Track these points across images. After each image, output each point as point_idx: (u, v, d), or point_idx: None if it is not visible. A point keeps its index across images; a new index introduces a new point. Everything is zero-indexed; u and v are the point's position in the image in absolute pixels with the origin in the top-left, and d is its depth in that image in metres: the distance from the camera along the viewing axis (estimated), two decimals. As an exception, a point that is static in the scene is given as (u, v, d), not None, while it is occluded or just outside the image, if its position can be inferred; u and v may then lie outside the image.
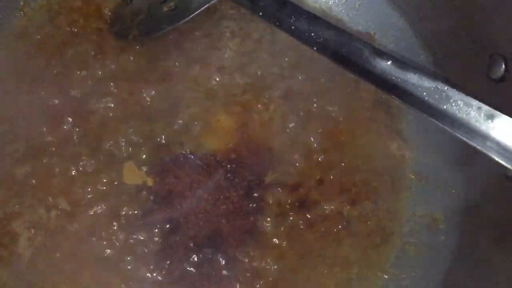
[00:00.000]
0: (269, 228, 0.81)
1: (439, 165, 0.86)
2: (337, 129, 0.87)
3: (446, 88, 0.66)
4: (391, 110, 0.90)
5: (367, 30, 0.93)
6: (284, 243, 0.81)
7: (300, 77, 0.89)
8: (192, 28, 0.89)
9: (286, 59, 0.90)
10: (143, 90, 0.85)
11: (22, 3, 0.87)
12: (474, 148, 0.66)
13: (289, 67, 0.90)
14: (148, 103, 0.85)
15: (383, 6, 0.92)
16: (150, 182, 0.80)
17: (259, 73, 0.89)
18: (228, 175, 0.82)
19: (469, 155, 0.82)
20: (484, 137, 0.64)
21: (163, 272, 0.77)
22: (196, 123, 0.85)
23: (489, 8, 0.75)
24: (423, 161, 0.87)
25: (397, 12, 0.91)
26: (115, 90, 0.85)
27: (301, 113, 0.87)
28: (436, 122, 0.66)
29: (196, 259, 0.79)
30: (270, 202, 0.82)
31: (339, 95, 0.89)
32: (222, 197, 0.82)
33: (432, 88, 0.67)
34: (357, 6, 0.95)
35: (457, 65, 0.83)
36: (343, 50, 0.71)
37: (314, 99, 0.88)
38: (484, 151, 0.64)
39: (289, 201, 0.82)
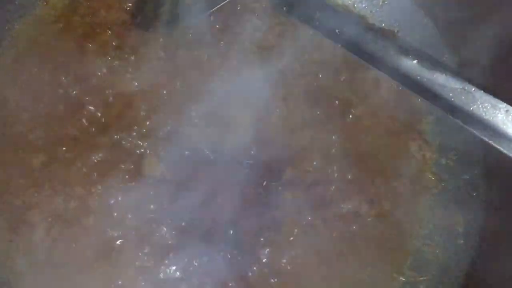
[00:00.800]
0: (285, 225, 0.80)
1: (460, 167, 0.85)
2: (358, 128, 0.86)
3: (473, 89, 0.65)
4: (412, 110, 0.88)
5: (390, 27, 0.91)
6: (300, 240, 0.80)
7: (321, 74, 0.88)
8: (214, 21, 0.88)
9: (307, 55, 0.89)
10: (163, 82, 0.85)
11: (45, -8, 0.88)
12: (498, 150, 0.65)
13: (310, 63, 0.89)
14: (168, 95, 0.84)
15: (408, 3, 0.91)
16: (168, 175, 0.80)
17: (280, 68, 0.87)
18: (246, 170, 0.82)
19: (491, 157, 0.81)
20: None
21: (179, 264, 0.77)
22: (215, 117, 0.84)
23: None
24: (443, 163, 0.86)
25: (422, 10, 0.90)
26: (135, 81, 0.84)
27: (321, 111, 0.86)
28: (462, 124, 0.65)
29: (211, 253, 0.78)
30: (288, 199, 0.81)
31: (360, 94, 0.88)
32: (239, 192, 0.80)
33: (459, 89, 0.66)
34: (380, 3, 0.93)
35: (482, 66, 0.81)
36: (369, 47, 0.71)
37: (335, 97, 0.87)
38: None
39: (306, 198, 0.81)
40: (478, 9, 0.80)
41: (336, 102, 0.87)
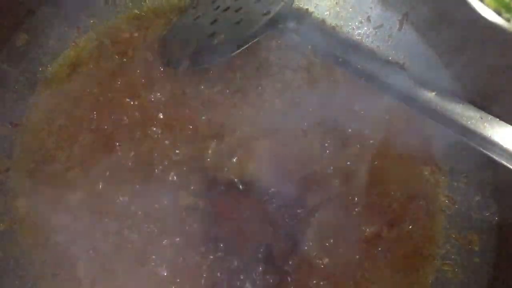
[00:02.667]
0: (312, 249, 0.84)
1: (471, 189, 0.90)
2: (372, 154, 0.91)
3: (489, 118, 0.70)
4: (423, 137, 0.93)
5: (397, 60, 0.97)
6: (326, 264, 0.84)
7: (335, 105, 0.93)
8: (233, 58, 0.92)
9: (321, 87, 0.94)
10: (189, 117, 0.89)
11: (76, 35, 0.92)
12: (508, 170, 0.70)
13: (325, 95, 0.93)
14: (194, 129, 0.88)
15: (412, 37, 0.97)
16: (200, 204, 0.83)
17: (296, 100, 0.92)
18: (273, 199, 0.85)
19: (500, 178, 0.87)
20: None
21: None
22: (239, 149, 0.88)
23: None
24: (455, 185, 0.91)
25: (426, 43, 0.96)
26: (163, 117, 0.88)
27: (338, 139, 0.91)
28: (481, 150, 0.70)
29: (243, 277, 0.81)
30: (313, 225, 0.85)
31: (372, 122, 0.93)
32: (267, 219, 0.84)
33: (476, 118, 0.71)
34: (387, 37, 0.99)
35: (487, 95, 0.87)
36: (389, 81, 0.76)
37: (349, 126, 0.92)
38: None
39: (330, 224, 0.85)
40: (480, 41, 0.86)
41: (350, 130, 0.92)
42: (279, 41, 0.95)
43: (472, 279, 0.85)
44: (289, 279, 0.82)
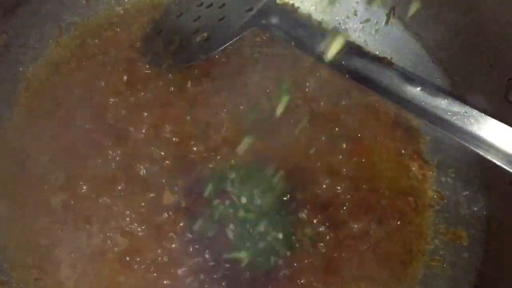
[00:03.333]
0: (300, 247, 0.84)
1: (459, 183, 0.90)
2: (360, 150, 0.90)
3: (474, 112, 0.70)
4: (409, 131, 0.93)
5: (384, 54, 0.96)
6: (315, 261, 0.83)
7: (322, 101, 0.92)
8: (218, 55, 0.92)
9: (308, 84, 0.93)
10: (173, 116, 0.88)
11: (57, 34, 0.90)
12: (496, 165, 0.69)
13: (312, 91, 0.93)
14: (179, 128, 0.87)
15: (400, 31, 0.96)
16: (184, 203, 0.82)
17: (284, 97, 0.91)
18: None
19: (489, 172, 0.86)
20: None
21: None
22: (225, 147, 0.87)
23: (507, 34, 0.79)
24: (443, 180, 0.91)
25: (413, 37, 0.95)
26: (147, 116, 0.87)
27: (325, 135, 0.90)
28: (468, 145, 0.69)
29: (230, 276, 0.80)
30: (301, 222, 0.84)
31: (359, 117, 0.92)
32: (254, 214, 0.83)
33: (461, 113, 0.70)
34: (373, 31, 0.98)
35: (475, 89, 0.87)
36: (374, 76, 0.75)
37: (337, 122, 0.91)
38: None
39: (319, 221, 0.85)
40: (469, 37, 0.86)
41: (337, 128, 0.91)
42: (263, 37, 0.94)
43: (460, 275, 0.85)
44: (277, 277, 0.81)
